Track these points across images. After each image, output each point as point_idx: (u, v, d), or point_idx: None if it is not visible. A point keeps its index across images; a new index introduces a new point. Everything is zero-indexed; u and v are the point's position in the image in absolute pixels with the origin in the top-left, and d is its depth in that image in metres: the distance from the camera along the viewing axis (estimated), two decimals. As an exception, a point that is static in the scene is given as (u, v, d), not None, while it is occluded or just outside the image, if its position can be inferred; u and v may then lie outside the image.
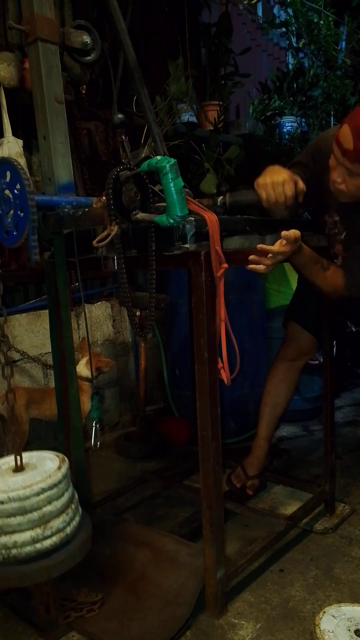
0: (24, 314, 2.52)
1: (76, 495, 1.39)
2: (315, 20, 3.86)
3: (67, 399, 1.59)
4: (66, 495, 1.33)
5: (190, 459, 2.27)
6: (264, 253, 1.38)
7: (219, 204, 1.50)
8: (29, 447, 2.51)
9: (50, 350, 1.90)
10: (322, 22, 3.85)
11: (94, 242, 1.24)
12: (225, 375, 1.35)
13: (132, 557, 1.60)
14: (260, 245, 1.38)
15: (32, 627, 1.44)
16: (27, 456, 1.39)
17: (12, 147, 2.27)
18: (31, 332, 2.54)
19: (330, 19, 3.89)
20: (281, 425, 2.21)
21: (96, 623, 1.39)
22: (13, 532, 1.24)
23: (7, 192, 1.22)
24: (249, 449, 2.11)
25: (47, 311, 1.69)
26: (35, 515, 1.25)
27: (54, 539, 1.28)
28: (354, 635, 1.30)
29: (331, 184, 1.47)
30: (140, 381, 2.67)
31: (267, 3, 4.56)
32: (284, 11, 3.99)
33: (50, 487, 1.28)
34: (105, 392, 2.89)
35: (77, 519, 1.36)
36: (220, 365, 1.35)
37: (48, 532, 1.27)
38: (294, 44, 3.99)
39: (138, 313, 2.41)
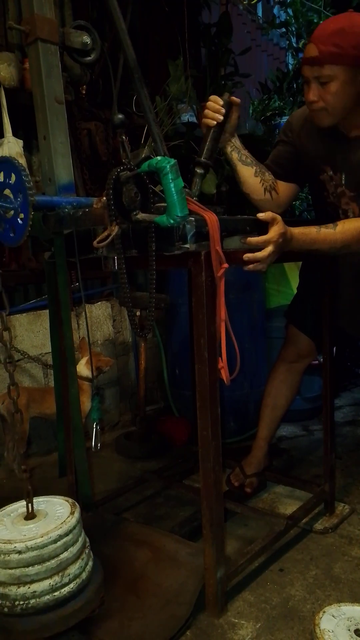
0: (24, 314, 2.52)
1: (87, 539, 1.38)
2: (315, 20, 3.86)
3: (67, 399, 1.60)
4: (80, 540, 1.32)
5: (190, 459, 2.27)
6: (256, 249, 1.37)
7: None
8: (30, 447, 2.52)
9: (50, 350, 1.90)
10: (321, 22, 3.85)
11: (95, 242, 1.24)
12: (225, 375, 1.35)
13: (132, 556, 1.60)
14: (248, 239, 1.36)
15: (32, 627, 1.44)
16: (35, 502, 1.37)
17: (12, 147, 2.27)
18: (31, 332, 2.54)
19: (330, 19, 3.89)
20: (281, 425, 2.21)
21: (96, 622, 1.39)
22: (32, 581, 1.21)
23: (7, 191, 1.22)
24: (249, 448, 2.11)
25: (47, 311, 1.69)
26: (53, 563, 1.23)
27: (72, 585, 1.26)
28: (354, 635, 1.30)
29: (310, 109, 1.53)
30: (140, 381, 2.67)
31: (267, 3, 4.56)
32: (284, 11, 4.00)
33: (67, 534, 1.27)
34: (105, 392, 2.90)
35: (90, 563, 1.35)
36: (220, 365, 1.35)
37: (66, 580, 1.25)
38: (294, 44, 4.00)
39: (138, 313, 2.41)
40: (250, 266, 1.38)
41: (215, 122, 1.54)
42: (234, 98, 1.56)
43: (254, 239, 1.36)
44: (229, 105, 1.55)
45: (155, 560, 1.57)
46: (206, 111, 1.54)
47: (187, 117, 3.03)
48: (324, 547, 1.78)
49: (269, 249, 1.36)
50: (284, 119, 3.70)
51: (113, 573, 1.54)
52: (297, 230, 1.45)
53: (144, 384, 2.68)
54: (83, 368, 2.26)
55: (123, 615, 1.41)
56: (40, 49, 1.37)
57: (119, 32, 1.46)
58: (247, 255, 1.37)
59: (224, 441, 2.26)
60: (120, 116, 1.35)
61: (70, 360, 1.53)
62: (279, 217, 1.38)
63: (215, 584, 1.44)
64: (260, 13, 4.54)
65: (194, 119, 3.08)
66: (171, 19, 3.17)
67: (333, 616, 1.36)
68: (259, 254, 1.36)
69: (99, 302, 2.86)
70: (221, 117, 1.54)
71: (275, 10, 4.48)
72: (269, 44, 4.65)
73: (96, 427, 1.62)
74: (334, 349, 1.91)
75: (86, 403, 2.28)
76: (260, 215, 1.37)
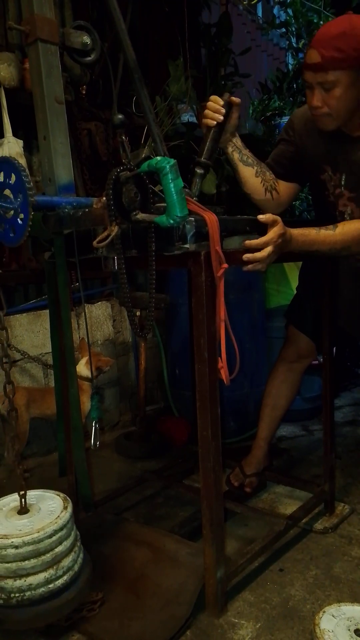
0: (24, 314, 2.52)
1: (78, 532, 1.42)
2: (315, 20, 3.87)
3: (67, 399, 1.60)
4: (72, 534, 1.36)
5: (190, 459, 2.27)
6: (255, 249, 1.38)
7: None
8: (30, 447, 2.52)
9: (50, 350, 1.90)
10: (322, 22, 3.85)
11: (94, 242, 1.24)
12: (225, 375, 1.35)
13: (132, 556, 1.60)
14: (247, 242, 1.38)
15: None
16: (27, 496, 1.41)
17: (12, 148, 2.27)
18: (31, 332, 2.54)
19: (330, 19, 3.89)
20: (281, 425, 2.21)
21: (96, 622, 1.40)
22: (27, 574, 1.26)
23: (7, 191, 1.22)
24: (249, 448, 2.11)
25: (47, 311, 1.69)
26: (48, 556, 1.27)
27: (65, 577, 1.31)
28: (354, 635, 1.30)
29: (314, 114, 1.52)
30: (140, 381, 2.67)
31: (267, 3, 4.56)
32: (283, 11, 4.00)
33: (61, 528, 1.31)
34: (105, 392, 2.90)
35: (81, 555, 1.39)
36: (220, 365, 1.35)
37: (60, 572, 1.30)
38: (294, 45, 4.00)
39: (138, 313, 2.41)
40: (250, 266, 1.39)
41: (215, 122, 1.54)
42: (233, 98, 1.56)
43: (253, 242, 1.37)
44: (229, 105, 1.55)
45: (155, 560, 1.57)
46: (206, 111, 1.54)
47: (187, 117, 3.03)
48: (324, 547, 1.78)
49: (268, 249, 1.37)
50: (284, 119, 3.70)
51: (113, 573, 1.55)
52: (296, 232, 1.46)
53: (144, 384, 2.68)
54: (83, 368, 2.26)
55: (123, 615, 1.41)
56: (40, 49, 1.37)
57: (119, 32, 1.46)
58: (247, 256, 1.37)
59: (224, 441, 2.27)
60: (120, 116, 1.35)
61: (70, 360, 1.53)
62: (278, 219, 1.39)
63: (215, 584, 1.44)
64: (260, 13, 4.54)
65: (194, 119, 3.08)
66: (171, 19, 3.17)
67: (333, 616, 1.36)
68: (258, 255, 1.37)
69: (99, 302, 2.86)
70: (221, 117, 1.53)
71: (275, 11, 4.48)
72: (269, 44, 4.65)
73: (95, 426, 1.63)
74: (334, 349, 1.91)
75: (86, 403, 2.28)
76: (261, 217, 1.38)
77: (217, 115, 1.53)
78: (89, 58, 1.49)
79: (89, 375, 2.26)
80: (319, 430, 2.75)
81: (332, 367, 1.88)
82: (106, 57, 1.55)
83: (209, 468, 1.40)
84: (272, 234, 1.38)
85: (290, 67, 4.16)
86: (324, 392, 1.92)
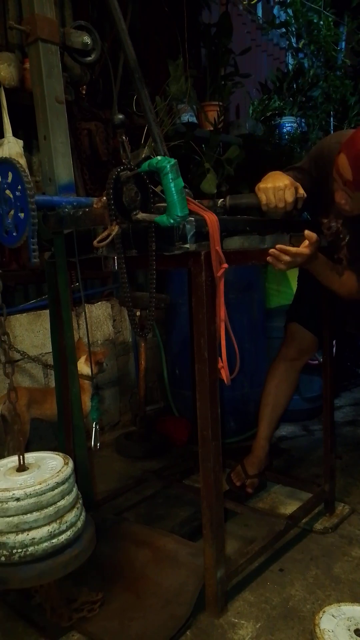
0: (24, 314, 2.52)
1: (79, 492, 1.41)
2: (315, 20, 3.86)
3: (67, 398, 1.60)
4: (74, 491, 1.35)
5: (190, 459, 2.28)
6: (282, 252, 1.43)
7: (219, 205, 1.51)
8: (30, 447, 2.52)
9: (50, 350, 1.90)
10: (322, 22, 3.85)
11: (95, 242, 1.24)
12: (225, 375, 1.35)
13: (133, 556, 1.60)
14: (280, 246, 1.42)
15: (32, 627, 1.44)
16: (25, 457, 1.40)
17: (12, 147, 2.27)
18: (31, 332, 2.54)
19: (330, 19, 3.89)
20: (281, 425, 2.21)
21: (96, 622, 1.40)
22: (30, 529, 1.22)
23: (7, 192, 1.22)
24: (249, 448, 2.11)
25: (47, 311, 1.69)
26: (51, 510, 1.25)
27: (69, 533, 1.28)
28: (354, 635, 1.30)
29: (337, 203, 1.54)
30: (141, 381, 2.67)
31: (267, 3, 4.56)
32: (283, 11, 3.99)
33: (63, 482, 1.29)
34: (105, 391, 2.89)
35: (83, 513, 1.38)
36: (220, 365, 1.35)
37: (63, 527, 1.27)
38: (294, 44, 3.99)
39: (138, 313, 2.41)
40: (272, 259, 1.45)
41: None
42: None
43: (291, 249, 1.43)
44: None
45: (156, 560, 1.57)
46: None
47: (187, 117, 3.03)
48: (324, 547, 1.78)
49: (298, 260, 1.44)
50: (284, 119, 3.70)
51: (113, 573, 1.55)
52: (322, 258, 1.55)
53: (144, 384, 2.68)
54: (82, 366, 2.26)
55: (123, 615, 1.41)
56: (40, 49, 1.37)
57: (119, 32, 1.46)
58: (274, 252, 1.42)
59: (224, 441, 2.26)
60: (120, 116, 1.35)
61: (71, 360, 1.53)
62: (317, 239, 1.45)
63: (215, 584, 1.44)
64: (260, 13, 4.53)
65: (194, 119, 3.09)
66: (171, 19, 3.17)
67: (333, 616, 1.36)
68: (284, 257, 1.43)
69: (99, 302, 2.86)
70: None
71: (275, 11, 4.47)
72: (269, 44, 4.64)
73: (95, 427, 1.63)
74: (334, 348, 1.92)
75: (87, 402, 2.28)
76: (308, 232, 1.43)
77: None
78: (89, 58, 1.49)
79: (89, 373, 2.26)
80: (319, 430, 2.75)
81: (332, 367, 1.89)
82: (106, 56, 1.55)
83: (209, 468, 1.40)
84: (307, 249, 1.44)
85: (290, 67, 4.16)
86: (324, 392, 1.92)
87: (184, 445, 2.56)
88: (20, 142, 2.31)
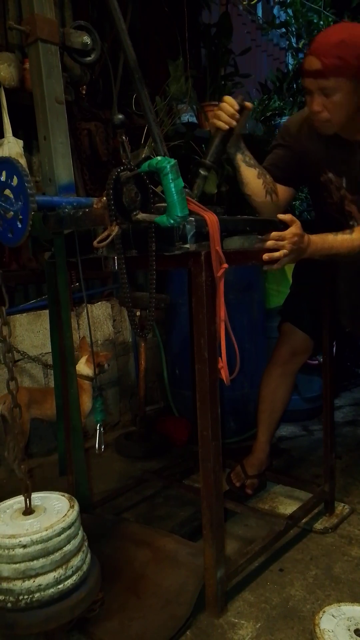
0: (24, 314, 2.52)
1: (84, 533, 1.39)
2: (315, 20, 3.86)
3: (67, 399, 1.59)
4: (80, 534, 1.33)
5: (190, 459, 2.28)
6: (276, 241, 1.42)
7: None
8: (30, 447, 2.52)
9: (50, 350, 1.90)
10: (322, 22, 3.85)
11: (95, 242, 1.24)
12: (225, 375, 1.35)
13: (132, 556, 1.60)
14: (275, 233, 1.42)
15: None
16: (32, 498, 1.37)
17: (12, 148, 2.27)
18: (31, 332, 2.54)
19: (330, 19, 3.89)
20: (281, 425, 2.21)
21: (96, 622, 1.40)
22: (37, 575, 1.21)
23: (7, 191, 1.22)
24: (249, 448, 2.11)
25: (47, 311, 1.69)
26: (57, 555, 1.23)
27: (74, 577, 1.27)
28: (354, 635, 1.30)
29: (314, 119, 1.54)
30: (141, 381, 2.67)
31: (267, 3, 4.56)
32: (283, 12, 3.99)
33: (69, 526, 1.27)
34: (105, 392, 2.89)
35: (89, 555, 1.36)
36: (220, 365, 1.35)
37: (69, 572, 1.26)
38: (294, 45, 3.99)
39: (138, 313, 2.41)
40: (266, 267, 1.45)
41: (227, 127, 1.53)
42: (247, 103, 1.55)
43: (269, 237, 1.42)
44: (241, 109, 1.55)
45: (155, 560, 1.57)
46: (219, 112, 1.53)
47: (187, 117, 3.03)
48: (324, 547, 1.78)
49: (284, 250, 1.42)
50: (284, 119, 3.70)
51: (113, 573, 1.55)
52: (315, 237, 1.50)
53: (144, 384, 2.68)
54: (83, 367, 2.26)
55: (123, 615, 1.41)
56: (40, 49, 1.37)
57: (119, 32, 1.46)
58: (266, 256, 1.42)
59: (224, 441, 2.26)
60: (120, 116, 1.35)
61: (70, 360, 1.53)
62: (297, 221, 1.43)
63: (215, 584, 1.44)
64: (260, 13, 4.53)
65: (194, 119, 3.09)
66: (171, 19, 3.17)
67: (333, 616, 1.36)
68: (275, 254, 1.42)
69: (99, 302, 2.86)
70: (235, 123, 1.53)
71: (275, 11, 4.48)
72: (269, 44, 4.65)
73: (100, 430, 1.61)
74: (334, 349, 1.91)
75: (87, 402, 2.28)
76: (281, 215, 1.42)
77: (231, 120, 1.53)
78: (89, 58, 1.49)
79: (90, 374, 2.26)
80: (319, 430, 2.75)
81: (332, 367, 1.89)
82: (106, 56, 1.55)
83: (209, 468, 1.40)
84: (287, 231, 1.42)
85: (290, 67, 4.16)
86: (324, 392, 1.92)
87: (184, 445, 2.56)
88: (20, 143, 2.31)
